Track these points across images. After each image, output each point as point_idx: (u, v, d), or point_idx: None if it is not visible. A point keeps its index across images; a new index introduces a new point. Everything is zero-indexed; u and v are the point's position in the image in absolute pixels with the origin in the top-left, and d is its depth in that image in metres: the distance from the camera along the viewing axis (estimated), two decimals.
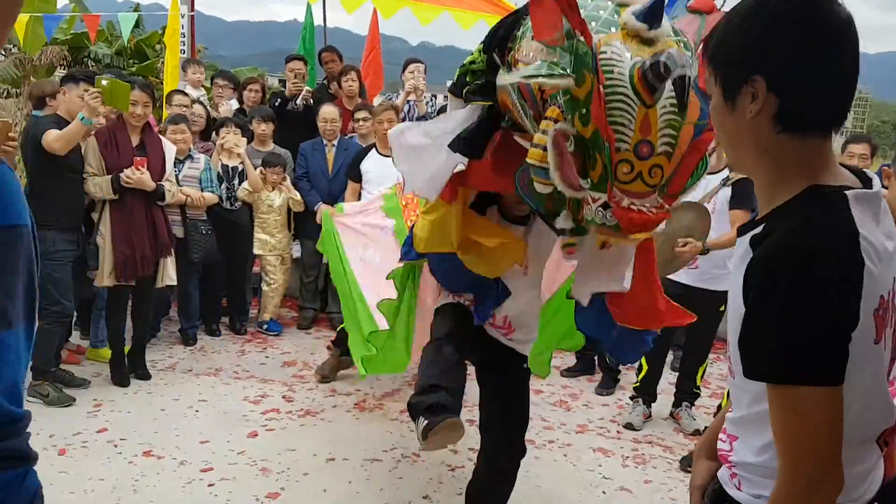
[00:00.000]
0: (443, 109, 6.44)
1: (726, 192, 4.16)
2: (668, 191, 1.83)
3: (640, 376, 4.54)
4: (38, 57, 12.79)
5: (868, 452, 1.28)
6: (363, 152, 5.44)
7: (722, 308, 4.37)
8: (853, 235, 1.13)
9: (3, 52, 14.25)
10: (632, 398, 4.62)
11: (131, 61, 14.72)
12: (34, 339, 1.03)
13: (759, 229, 1.21)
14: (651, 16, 1.71)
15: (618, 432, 4.42)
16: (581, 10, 1.74)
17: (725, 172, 4.20)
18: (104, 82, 4.20)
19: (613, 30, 1.78)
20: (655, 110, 1.69)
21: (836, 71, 1.18)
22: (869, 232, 1.15)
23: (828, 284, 1.09)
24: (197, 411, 4.34)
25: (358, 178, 5.38)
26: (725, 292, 4.16)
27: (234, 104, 6.22)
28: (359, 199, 5.22)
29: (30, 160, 4.32)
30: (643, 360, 4.51)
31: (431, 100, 6.70)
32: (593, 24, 1.78)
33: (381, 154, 5.29)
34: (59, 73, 13.37)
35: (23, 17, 8.03)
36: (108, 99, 4.19)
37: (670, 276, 4.24)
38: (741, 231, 1.27)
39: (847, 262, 1.12)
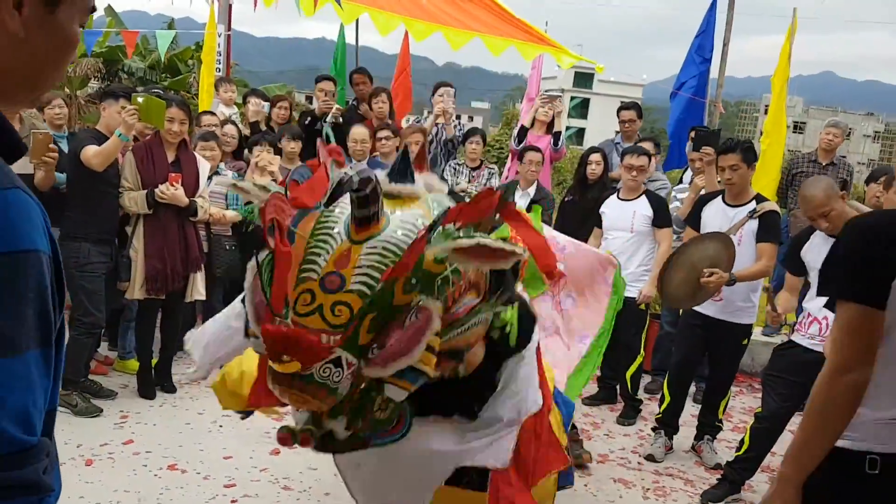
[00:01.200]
0: (470, 132, 6.51)
1: (753, 224, 4.17)
2: (380, 354, 1.58)
3: (663, 407, 4.52)
4: (73, 69, 13.06)
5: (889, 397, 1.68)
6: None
7: (745, 341, 4.36)
8: None
9: None
10: (654, 429, 4.60)
11: (164, 75, 15.00)
12: (56, 363, 1.01)
13: None
14: (396, 171, 1.79)
15: (639, 463, 4.39)
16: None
17: (752, 205, 4.21)
18: (140, 99, 4.30)
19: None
20: (360, 247, 1.59)
21: None
22: None
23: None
24: (221, 426, 4.38)
25: None
26: (749, 325, 4.19)
27: (265, 106, 6.30)
28: None
29: (68, 173, 4.41)
30: (665, 390, 4.50)
31: (459, 124, 6.76)
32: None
33: None
34: (93, 84, 13.67)
35: None
36: (143, 115, 4.28)
37: (695, 308, 4.26)
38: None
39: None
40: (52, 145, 4.15)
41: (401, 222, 1.66)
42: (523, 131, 6.72)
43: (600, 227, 5.06)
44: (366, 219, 1.59)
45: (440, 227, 1.64)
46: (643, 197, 4.92)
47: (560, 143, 6.81)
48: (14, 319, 0.87)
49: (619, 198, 5.05)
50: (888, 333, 1.66)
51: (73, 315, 4.53)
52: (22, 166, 4.16)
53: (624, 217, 4.92)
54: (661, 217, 4.88)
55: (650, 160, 5.15)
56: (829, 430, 1.71)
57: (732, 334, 4.27)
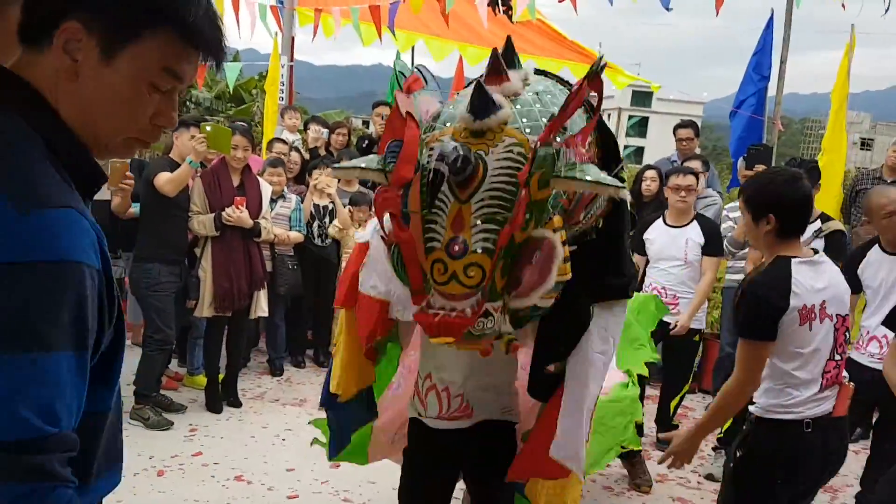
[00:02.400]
0: None
1: (818, 244, 4.14)
2: (518, 290, 1.64)
3: (725, 427, 4.46)
4: None
5: (812, 384, 2.52)
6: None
7: (696, 338, 4.64)
8: (788, 277, 2.44)
9: None
10: (714, 448, 4.55)
11: (229, 105, 15.57)
12: (106, 371, 1.10)
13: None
14: (477, 107, 1.66)
15: (698, 483, 4.35)
16: (450, 107, 1.80)
17: (818, 224, 4.18)
18: (208, 128, 4.55)
19: (449, 125, 1.74)
20: (469, 206, 1.61)
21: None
22: (802, 276, 2.47)
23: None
24: (284, 440, 4.53)
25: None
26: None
27: (325, 132, 6.51)
28: None
29: (142, 198, 4.67)
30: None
31: None
32: (448, 123, 1.76)
33: None
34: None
35: None
36: (211, 143, 4.51)
37: None
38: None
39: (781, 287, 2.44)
40: (128, 173, 4.41)
41: (498, 164, 1.63)
42: None
43: (642, 253, 4.70)
44: (466, 179, 1.62)
45: (541, 152, 1.62)
46: (694, 223, 4.57)
47: None
48: (49, 321, 0.95)
49: (666, 223, 4.65)
50: (804, 347, 2.50)
51: (144, 332, 4.78)
52: (101, 192, 4.42)
53: (675, 245, 4.59)
54: (713, 245, 4.57)
55: (698, 179, 4.88)
56: (728, 416, 2.78)
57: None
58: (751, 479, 2.58)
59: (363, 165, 1.87)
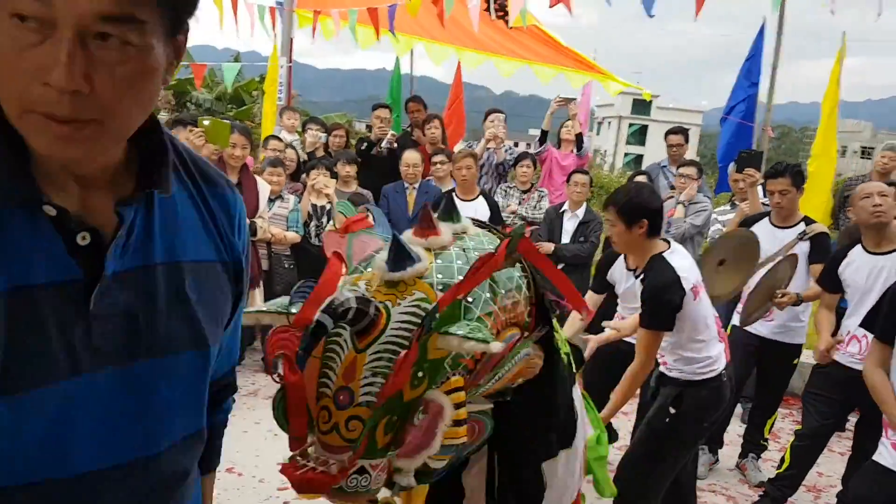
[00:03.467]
0: (521, 156, 6.69)
1: (803, 246, 4.22)
2: (399, 451, 1.55)
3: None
4: None
5: (715, 342, 3.19)
6: (442, 196, 5.60)
7: (795, 361, 4.38)
8: (672, 269, 2.98)
9: None
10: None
11: (230, 106, 15.68)
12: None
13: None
14: (392, 259, 1.64)
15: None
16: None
17: (801, 227, 4.26)
18: (206, 122, 4.64)
19: (370, 270, 1.72)
20: (364, 356, 1.56)
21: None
22: (678, 263, 3.00)
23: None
24: (276, 435, 4.60)
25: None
26: (799, 345, 4.22)
27: (322, 136, 6.61)
28: None
29: None
30: None
31: (510, 148, 6.95)
32: (370, 269, 1.73)
33: (460, 198, 5.55)
34: (163, 115, 14.35)
35: None
36: (210, 137, 4.60)
37: (747, 328, 4.32)
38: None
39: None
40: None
41: (401, 315, 1.61)
42: (544, 135, 6.90)
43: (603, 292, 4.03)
44: (363, 329, 1.56)
45: (441, 310, 1.56)
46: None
47: (584, 148, 6.91)
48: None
49: (628, 268, 3.82)
50: (705, 316, 3.15)
51: None
52: None
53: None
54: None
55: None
56: (633, 392, 3.17)
57: (783, 354, 4.32)
58: (686, 429, 3.19)
59: (265, 309, 1.77)
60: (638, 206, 3.00)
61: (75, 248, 0.93)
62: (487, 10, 6.32)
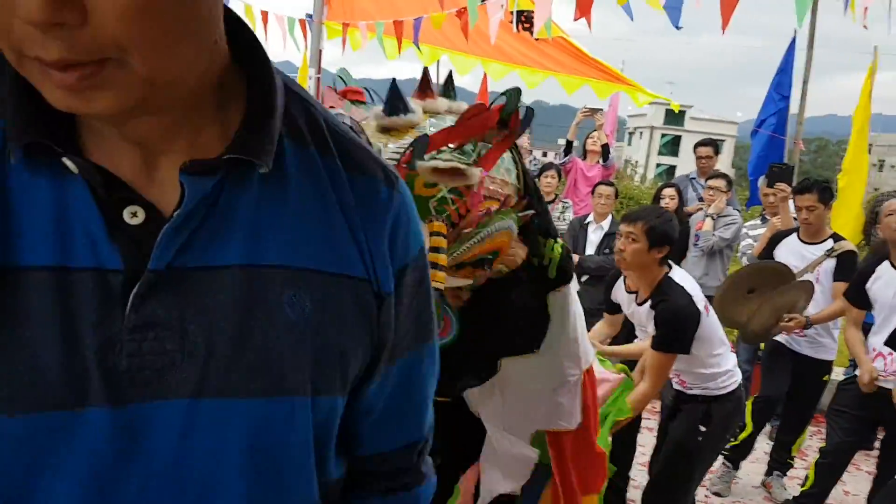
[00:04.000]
0: (546, 167, 6.67)
1: (830, 263, 4.17)
2: None
3: (742, 436, 4.44)
4: None
5: (730, 352, 3.27)
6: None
7: (826, 378, 4.33)
8: (682, 289, 3.00)
9: None
10: (724, 464, 4.54)
11: None
12: None
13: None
14: (388, 104, 1.71)
15: (706, 497, 4.37)
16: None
17: (829, 243, 4.22)
18: None
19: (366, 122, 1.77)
20: None
21: None
22: (684, 282, 3.04)
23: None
24: None
25: None
26: (830, 362, 4.17)
27: None
28: None
29: None
30: (749, 420, 4.42)
31: (534, 159, 6.96)
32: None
33: None
34: None
35: None
36: None
37: (780, 340, 4.30)
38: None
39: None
40: None
41: (391, 153, 1.64)
42: (569, 146, 6.87)
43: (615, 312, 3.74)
44: None
45: (432, 152, 1.60)
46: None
47: (610, 159, 6.87)
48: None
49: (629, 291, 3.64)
50: (718, 330, 3.19)
51: None
52: None
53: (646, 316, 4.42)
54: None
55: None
56: (638, 413, 3.11)
57: (814, 370, 4.28)
58: (717, 444, 3.31)
59: None
60: (666, 233, 2.98)
61: (121, 227, 0.68)
62: (513, 22, 6.33)
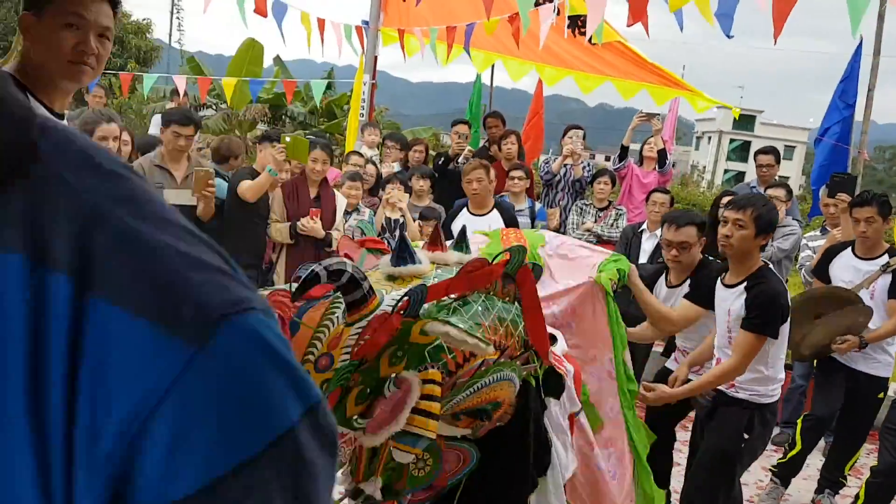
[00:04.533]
0: (599, 173, 6.62)
1: (886, 279, 4.04)
2: (367, 423, 1.61)
3: (791, 454, 4.33)
4: (242, 113, 14.42)
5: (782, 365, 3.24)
6: (455, 211, 5.42)
7: (881, 395, 4.18)
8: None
9: (214, 108, 16.17)
10: (772, 479, 4.42)
11: (321, 119, 16.19)
12: None
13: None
14: (395, 255, 1.81)
15: None
16: None
17: (885, 258, 4.08)
18: (287, 139, 4.84)
19: (376, 269, 1.86)
20: (350, 329, 1.64)
21: None
22: None
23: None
24: None
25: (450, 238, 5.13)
26: (886, 379, 4.03)
27: (396, 167, 6.79)
28: None
29: (225, 204, 5.00)
30: (798, 437, 4.32)
31: (588, 165, 6.90)
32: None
33: (472, 213, 5.22)
34: (261, 127, 14.99)
35: (231, 81, 9.25)
36: (290, 153, 4.79)
37: (835, 357, 4.18)
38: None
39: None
40: (210, 181, 4.74)
41: (391, 300, 1.69)
42: (624, 151, 6.76)
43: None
44: (354, 302, 1.64)
45: (433, 302, 1.67)
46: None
47: (666, 165, 6.73)
48: None
49: (667, 284, 3.80)
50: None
51: None
52: (187, 199, 4.79)
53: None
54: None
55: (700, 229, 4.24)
56: (714, 386, 3.25)
57: (869, 386, 4.15)
58: (756, 451, 3.30)
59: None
60: (772, 222, 3.11)
61: None
62: (570, 26, 6.31)
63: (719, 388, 3.29)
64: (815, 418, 4.33)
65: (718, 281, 3.34)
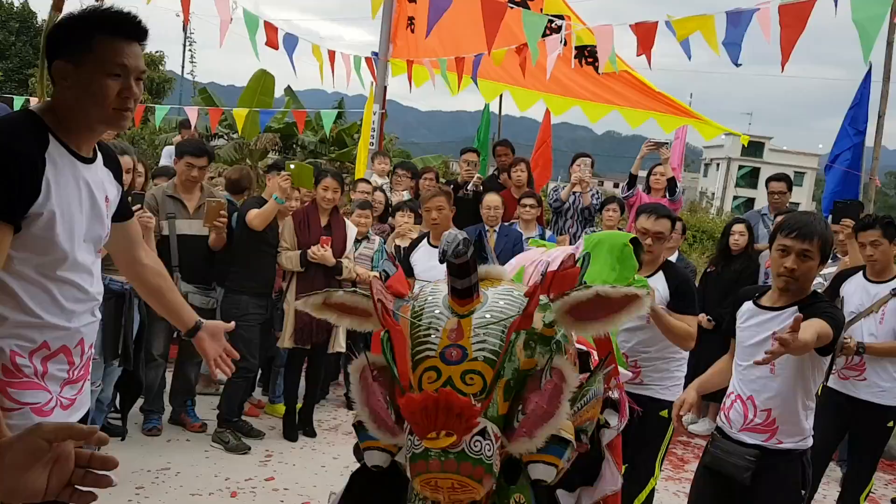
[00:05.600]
0: (608, 200, 6.63)
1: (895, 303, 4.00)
2: (523, 421, 1.53)
3: None
4: (254, 142, 14.55)
5: None
6: (414, 243, 5.10)
7: (891, 424, 4.10)
8: None
9: (225, 137, 16.33)
10: None
11: (332, 148, 16.33)
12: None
13: None
14: (479, 257, 1.76)
15: None
16: None
17: (895, 283, 4.05)
18: (292, 166, 4.87)
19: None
20: (470, 319, 1.59)
21: None
22: None
23: None
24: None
25: (410, 272, 4.75)
26: (894, 407, 3.92)
27: (407, 195, 6.82)
28: None
29: (235, 234, 5.03)
30: None
31: (596, 192, 6.91)
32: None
33: (431, 245, 4.84)
34: (271, 156, 15.10)
35: (242, 111, 9.37)
36: (295, 180, 4.82)
37: (834, 386, 4.11)
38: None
39: None
40: (222, 212, 4.76)
41: (497, 295, 1.66)
42: (632, 179, 6.75)
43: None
44: (467, 290, 1.60)
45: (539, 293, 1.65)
46: (660, 273, 3.60)
47: (676, 193, 6.71)
48: None
49: None
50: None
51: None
52: (199, 229, 4.83)
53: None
54: (679, 299, 3.62)
55: (673, 224, 3.93)
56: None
57: (876, 416, 4.06)
58: None
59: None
60: (832, 245, 2.94)
61: None
62: (577, 56, 6.38)
63: (762, 444, 2.75)
64: (813, 450, 4.27)
65: (751, 303, 2.91)
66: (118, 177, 2.12)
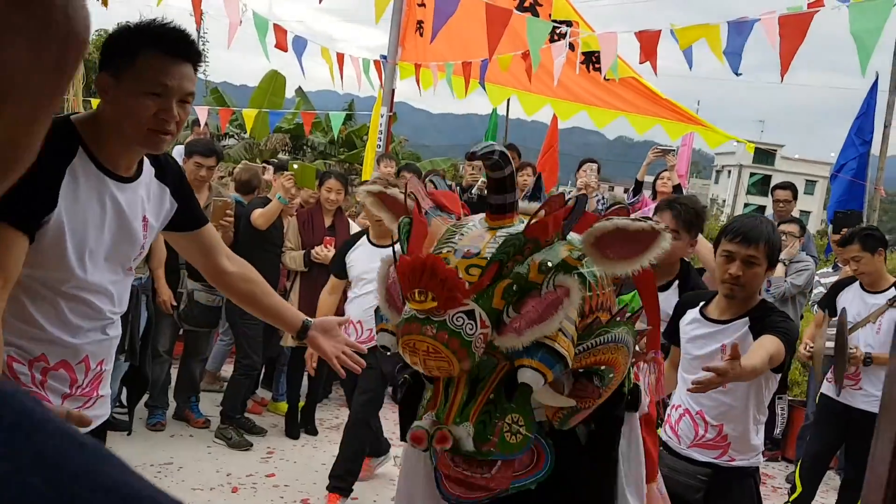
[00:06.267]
0: (613, 204, 6.64)
1: (893, 313, 4.04)
2: (514, 318, 1.50)
3: (793, 497, 4.32)
4: (264, 142, 14.66)
5: None
6: (350, 241, 4.47)
7: None
8: None
9: (235, 137, 16.46)
10: None
11: (341, 150, 16.42)
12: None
13: None
14: (527, 195, 1.74)
15: None
16: None
17: (892, 292, 4.08)
18: (295, 166, 4.94)
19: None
20: (494, 233, 1.60)
21: None
22: None
23: None
24: None
25: (342, 274, 4.38)
26: None
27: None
28: (343, 298, 4.50)
29: (239, 233, 5.09)
30: (798, 480, 4.31)
31: (602, 198, 6.94)
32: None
33: (372, 244, 4.27)
34: (281, 157, 15.21)
35: (252, 112, 9.47)
36: (298, 180, 4.88)
37: (829, 394, 4.14)
38: None
39: None
40: (228, 211, 4.83)
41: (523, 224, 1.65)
42: (638, 186, 6.78)
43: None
44: (500, 206, 1.60)
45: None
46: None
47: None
48: None
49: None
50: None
51: (234, 358, 5.15)
52: None
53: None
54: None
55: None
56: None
57: (872, 425, 4.06)
58: None
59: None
60: (780, 250, 2.73)
61: None
62: (583, 62, 6.41)
63: (713, 461, 2.62)
64: (810, 458, 4.31)
65: (696, 312, 2.75)
66: (177, 191, 2.02)
